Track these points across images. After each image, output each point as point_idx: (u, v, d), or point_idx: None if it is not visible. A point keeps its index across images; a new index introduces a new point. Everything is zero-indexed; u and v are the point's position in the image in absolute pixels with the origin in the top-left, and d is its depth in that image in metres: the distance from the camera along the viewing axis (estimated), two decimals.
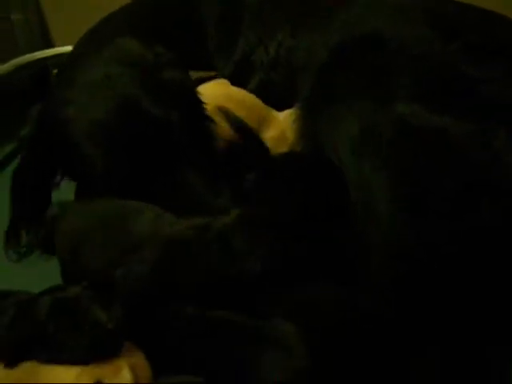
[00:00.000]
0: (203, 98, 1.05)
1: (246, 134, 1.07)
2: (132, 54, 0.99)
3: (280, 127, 1.11)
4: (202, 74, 1.17)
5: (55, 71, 1.59)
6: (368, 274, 0.82)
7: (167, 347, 0.76)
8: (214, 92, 1.08)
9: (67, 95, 0.97)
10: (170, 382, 0.75)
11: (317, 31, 1.09)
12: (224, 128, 1.07)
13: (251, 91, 1.16)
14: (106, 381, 0.70)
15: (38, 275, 0.99)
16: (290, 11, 1.17)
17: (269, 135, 1.11)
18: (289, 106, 1.12)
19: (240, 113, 1.08)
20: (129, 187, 0.93)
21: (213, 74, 1.20)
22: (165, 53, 1.02)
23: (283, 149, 1.07)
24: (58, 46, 1.76)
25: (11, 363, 0.72)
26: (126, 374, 0.71)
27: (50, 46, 1.78)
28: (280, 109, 1.15)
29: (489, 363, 0.79)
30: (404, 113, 0.84)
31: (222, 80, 1.18)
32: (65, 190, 1.07)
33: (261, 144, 1.08)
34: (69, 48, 1.57)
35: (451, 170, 0.81)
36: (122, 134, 0.93)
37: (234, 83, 1.18)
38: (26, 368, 0.72)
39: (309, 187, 0.90)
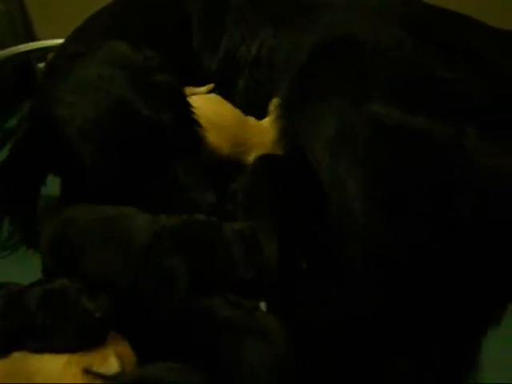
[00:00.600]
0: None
1: None
2: (123, 57, 1.01)
3: (264, 149, 1.11)
4: (200, 89, 1.19)
5: (40, 65, 1.60)
6: (350, 272, 0.85)
7: (153, 335, 0.79)
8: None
9: (60, 94, 0.98)
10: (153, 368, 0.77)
11: (298, 32, 1.11)
12: (213, 140, 1.09)
13: (240, 92, 1.18)
14: (94, 368, 0.73)
15: (22, 270, 1.00)
16: (273, 11, 1.19)
17: (252, 158, 1.11)
18: None
19: (212, 135, 1.10)
20: (120, 186, 0.95)
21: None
22: (154, 56, 1.04)
23: None
24: (40, 37, 1.76)
25: (1, 353, 0.75)
26: (112, 362, 0.74)
27: (32, 37, 1.77)
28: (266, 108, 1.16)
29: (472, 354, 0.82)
30: (379, 113, 0.87)
31: (213, 96, 1.18)
32: (52, 186, 1.08)
33: None
34: (54, 42, 1.59)
35: (425, 169, 0.84)
36: (114, 135, 0.95)
37: (220, 81, 1.20)
38: (16, 357, 0.75)
39: (286, 187, 0.93)
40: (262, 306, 0.83)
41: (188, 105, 1.07)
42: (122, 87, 0.97)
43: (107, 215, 0.91)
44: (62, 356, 0.74)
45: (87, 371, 0.72)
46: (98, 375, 0.72)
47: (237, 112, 1.16)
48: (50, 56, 1.56)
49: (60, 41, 1.52)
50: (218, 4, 1.25)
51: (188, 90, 1.12)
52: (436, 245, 0.82)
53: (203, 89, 1.20)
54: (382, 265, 0.83)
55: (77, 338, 0.75)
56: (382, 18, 1.03)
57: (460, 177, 0.83)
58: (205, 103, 1.12)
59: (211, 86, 1.21)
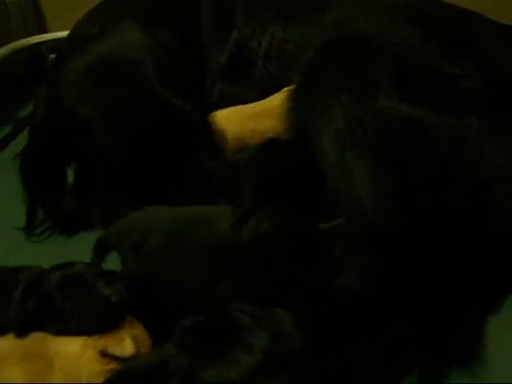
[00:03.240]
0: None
1: None
2: (139, 41, 1.02)
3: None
4: None
5: (51, 56, 1.62)
6: (349, 254, 0.87)
7: (167, 321, 0.81)
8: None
9: (74, 80, 0.99)
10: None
11: (307, 26, 1.13)
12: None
13: (256, 84, 1.19)
14: (110, 350, 0.75)
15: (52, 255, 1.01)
16: (282, 6, 1.20)
17: None
18: None
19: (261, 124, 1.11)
20: (144, 174, 0.97)
21: None
22: (165, 41, 1.06)
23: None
24: (52, 29, 1.78)
25: (21, 333, 0.77)
26: (128, 344, 0.76)
27: (44, 29, 1.80)
28: None
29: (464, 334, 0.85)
30: (386, 106, 0.90)
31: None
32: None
33: None
34: (65, 33, 1.60)
35: (429, 159, 0.88)
36: (139, 124, 0.96)
37: (230, 73, 1.22)
38: (35, 338, 0.78)
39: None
40: None
41: (202, 89, 1.10)
42: (146, 75, 0.97)
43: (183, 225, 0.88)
44: (79, 339, 0.77)
45: (103, 353, 0.75)
46: (113, 357, 0.75)
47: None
48: None
49: None
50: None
51: None
52: (440, 229, 0.86)
53: None
54: (387, 248, 0.85)
55: (94, 321, 0.77)
56: (389, 14, 1.05)
57: (460, 166, 0.87)
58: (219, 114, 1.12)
59: None
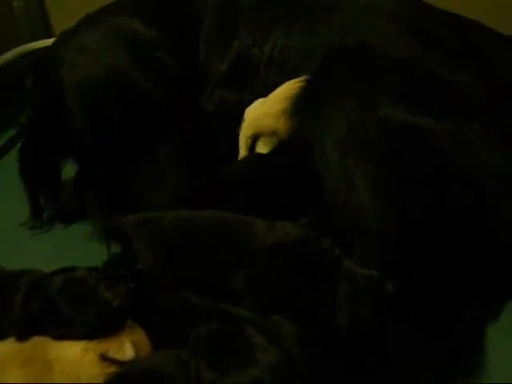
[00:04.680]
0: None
1: None
2: (128, 31, 1.08)
3: None
4: None
5: None
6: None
7: (168, 327, 0.82)
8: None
9: (62, 55, 1.06)
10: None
11: (310, 35, 1.13)
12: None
13: (257, 91, 1.19)
14: (110, 354, 0.76)
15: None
16: (285, 14, 1.20)
17: None
18: None
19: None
20: (111, 156, 1.01)
21: None
22: (159, 36, 1.09)
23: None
24: (58, 34, 1.78)
25: (22, 337, 0.78)
26: (128, 349, 0.77)
27: (51, 33, 1.80)
28: None
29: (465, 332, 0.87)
30: (387, 113, 0.91)
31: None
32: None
33: None
34: None
35: (430, 163, 0.89)
36: (110, 102, 1.00)
37: (231, 80, 1.22)
38: (36, 342, 0.78)
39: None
40: None
41: (187, 83, 1.11)
42: (121, 56, 1.03)
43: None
44: (79, 343, 0.78)
45: (104, 357, 0.76)
46: (113, 361, 0.76)
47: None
48: None
49: None
50: (229, 8, 1.27)
51: None
52: (440, 232, 0.87)
53: None
54: (387, 251, 0.87)
55: (95, 326, 0.78)
56: (392, 23, 1.06)
57: (461, 171, 0.88)
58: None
59: None
